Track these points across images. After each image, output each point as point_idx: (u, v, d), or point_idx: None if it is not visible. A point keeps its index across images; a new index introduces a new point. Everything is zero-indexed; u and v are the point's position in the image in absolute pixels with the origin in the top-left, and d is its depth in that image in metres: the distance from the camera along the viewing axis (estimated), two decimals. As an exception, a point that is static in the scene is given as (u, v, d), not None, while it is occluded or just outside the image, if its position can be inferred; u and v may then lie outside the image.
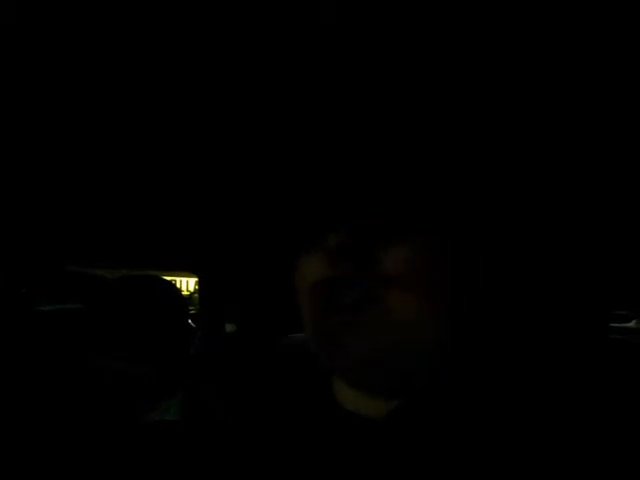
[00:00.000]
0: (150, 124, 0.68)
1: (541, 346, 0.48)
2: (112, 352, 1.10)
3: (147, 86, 0.55)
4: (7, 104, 0.61)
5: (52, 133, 0.72)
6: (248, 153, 0.70)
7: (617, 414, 0.41)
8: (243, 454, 0.49)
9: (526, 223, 0.50)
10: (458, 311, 0.44)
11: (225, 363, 1.56)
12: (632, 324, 7.05)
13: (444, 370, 0.44)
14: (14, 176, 0.97)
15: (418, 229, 0.43)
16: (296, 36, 0.43)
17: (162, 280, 1.25)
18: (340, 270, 0.43)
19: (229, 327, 1.82)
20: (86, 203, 1.16)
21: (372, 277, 0.42)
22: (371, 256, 0.42)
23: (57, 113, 0.63)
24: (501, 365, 0.45)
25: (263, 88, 0.52)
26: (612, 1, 0.39)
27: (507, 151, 0.53)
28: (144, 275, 1.24)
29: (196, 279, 2.25)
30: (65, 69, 0.51)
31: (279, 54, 0.46)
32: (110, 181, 0.99)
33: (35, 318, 1.46)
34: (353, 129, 0.56)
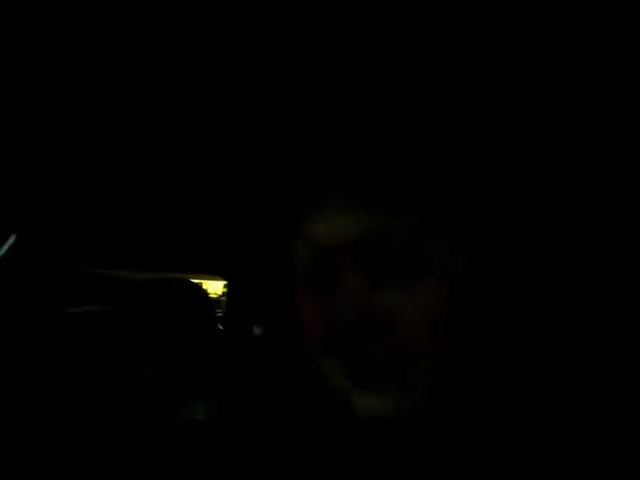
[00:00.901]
0: (171, 130, 0.69)
1: (557, 349, 0.46)
2: (140, 354, 1.11)
3: (152, 86, 0.55)
4: (25, 104, 0.61)
5: (69, 134, 0.72)
6: (262, 155, 0.70)
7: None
8: (262, 456, 0.49)
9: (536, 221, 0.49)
10: (474, 309, 0.43)
11: (253, 366, 1.56)
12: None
13: (462, 372, 0.42)
14: (42, 182, 0.99)
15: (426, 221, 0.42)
16: (296, 36, 0.43)
17: (191, 283, 1.26)
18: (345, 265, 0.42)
19: (257, 330, 1.82)
20: (115, 206, 1.17)
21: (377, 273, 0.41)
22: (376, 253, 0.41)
23: (78, 114, 0.63)
24: (519, 365, 0.44)
25: (263, 87, 0.52)
26: (612, 1, 0.38)
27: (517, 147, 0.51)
28: (174, 278, 1.25)
29: (224, 282, 2.26)
30: (65, 69, 0.52)
31: (279, 54, 0.46)
32: (139, 184, 1.00)
33: (66, 321, 1.48)
34: (354, 128, 0.55)
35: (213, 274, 1.95)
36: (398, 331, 0.40)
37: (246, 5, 0.40)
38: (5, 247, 1.18)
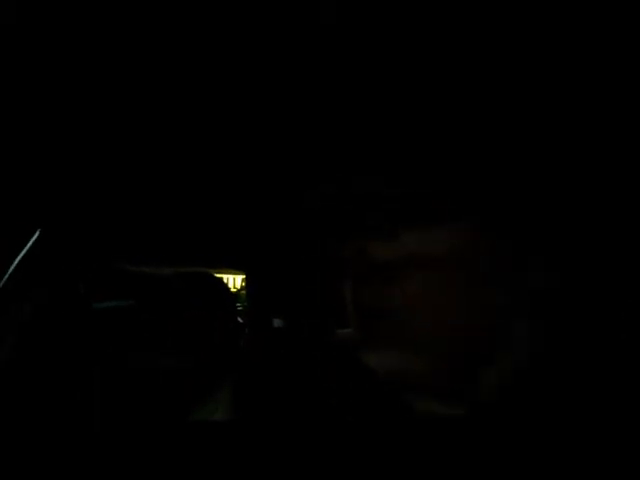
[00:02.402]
0: (193, 127, 0.69)
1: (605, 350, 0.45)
2: (163, 348, 1.12)
3: (159, 83, 0.56)
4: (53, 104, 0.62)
5: (89, 132, 0.73)
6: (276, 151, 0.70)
7: None
8: (298, 451, 0.49)
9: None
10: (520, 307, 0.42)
11: (273, 359, 1.57)
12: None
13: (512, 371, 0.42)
14: (67, 178, 1.00)
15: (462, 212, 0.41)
16: (296, 36, 0.43)
17: (212, 276, 1.26)
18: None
19: (276, 323, 1.83)
20: (138, 202, 1.19)
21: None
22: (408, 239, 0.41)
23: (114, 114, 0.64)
24: (568, 368, 0.43)
25: (264, 87, 0.52)
26: (612, 1, 0.38)
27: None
28: (195, 272, 1.26)
29: (243, 276, 2.27)
30: (66, 69, 0.52)
31: (279, 54, 0.46)
32: (161, 181, 1.01)
33: (93, 316, 1.51)
34: (355, 128, 0.55)
35: (233, 268, 1.97)
36: (408, 307, 0.40)
37: (246, 5, 0.40)
38: (30, 243, 1.20)
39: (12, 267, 1.16)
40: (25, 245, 1.18)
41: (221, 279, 1.31)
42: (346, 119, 0.54)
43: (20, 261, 1.17)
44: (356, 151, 0.53)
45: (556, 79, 0.45)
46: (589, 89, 0.45)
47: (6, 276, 1.14)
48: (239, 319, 1.52)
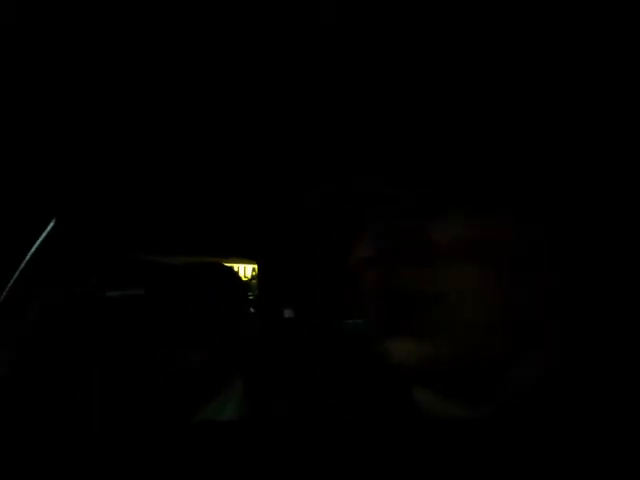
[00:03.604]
0: (207, 122, 0.70)
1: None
2: (175, 338, 1.13)
3: (163, 81, 0.56)
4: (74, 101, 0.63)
5: (96, 128, 0.74)
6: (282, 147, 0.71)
7: None
8: (307, 450, 0.49)
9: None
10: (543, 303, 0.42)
11: (284, 349, 1.58)
12: None
13: (528, 373, 0.42)
14: (80, 169, 1.01)
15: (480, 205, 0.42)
16: (296, 36, 0.43)
17: (224, 266, 1.27)
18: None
19: (287, 313, 1.84)
20: (149, 192, 1.20)
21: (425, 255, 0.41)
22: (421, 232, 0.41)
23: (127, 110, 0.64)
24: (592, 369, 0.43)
25: (264, 87, 0.52)
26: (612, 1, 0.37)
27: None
28: (207, 262, 1.27)
29: (254, 265, 2.28)
30: (66, 69, 0.52)
31: (279, 53, 0.46)
32: (170, 170, 1.01)
33: (105, 305, 1.52)
34: (355, 128, 0.55)
35: (244, 257, 1.98)
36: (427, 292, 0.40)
37: (246, 5, 0.41)
38: (44, 233, 1.22)
39: (28, 255, 1.17)
40: (41, 234, 1.20)
41: (232, 269, 1.32)
42: (347, 118, 0.54)
43: (36, 249, 1.18)
44: (356, 151, 0.53)
45: (556, 80, 0.44)
46: (589, 90, 0.45)
47: (22, 264, 1.15)
48: (251, 309, 1.53)
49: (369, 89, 0.51)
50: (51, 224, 1.21)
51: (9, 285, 1.15)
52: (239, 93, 0.57)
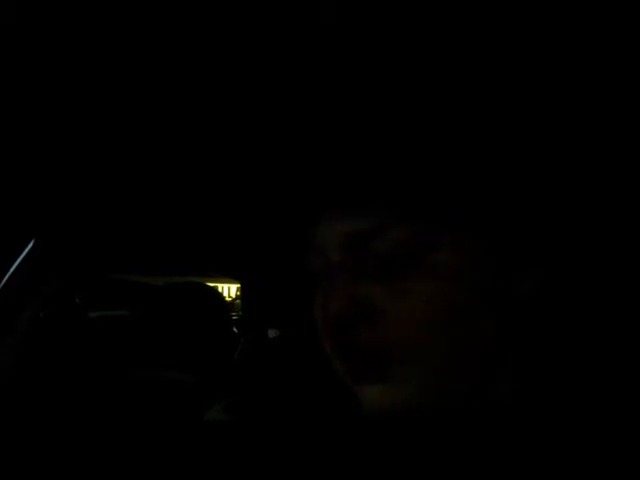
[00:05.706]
0: (182, 138, 0.69)
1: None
2: (157, 358, 1.12)
3: (156, 88, 0.56)
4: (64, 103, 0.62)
5: (81, 139, 0.73)
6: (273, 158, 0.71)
7: None
8: (274, 456, 0.49)
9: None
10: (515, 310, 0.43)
11: (268, 369, 1.57)
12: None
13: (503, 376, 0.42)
14: (60, 188, 1.00)
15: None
16: (296, 36, 0.43)
17: (206, 286, 1.26)
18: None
19: (271, 332, 1.83)
20: (132, 212, 1.19)
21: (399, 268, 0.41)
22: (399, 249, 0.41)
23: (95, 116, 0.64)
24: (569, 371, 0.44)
25: (264, 87, 0.52)
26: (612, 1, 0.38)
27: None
28: (189, 282, 1.26)
29: (238, 285, 2.27)
30: (66, 69, 0.52)
31: (279, 54, 0.46)
32: (151, 190, 1.01)
33: (88, 325, 1.50)
34: (355, 128, 0.55)
35: (227, 277, 1.97)
36: (384, 325, 0.40)
37: (246, 5, 0.40)
38: (24, 252, 1.20)
39: (6, 277, 1.15)
40: (20, 255, 1.18)
41: (215, 289, 1.31)
42: (346, 121, 0.54)
43: (14, 271, 1.17)
44: (354, 157, 0.53)
45: (556, 83, 0.45)
46: (590, 92, 0.46)
47: (0, 285, 1.14)
48: (234, 329, 1.52)
49: (366, 90, 0.51)
50: (30, 245, 1.19)
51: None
52: (229, 100, 0.57)
